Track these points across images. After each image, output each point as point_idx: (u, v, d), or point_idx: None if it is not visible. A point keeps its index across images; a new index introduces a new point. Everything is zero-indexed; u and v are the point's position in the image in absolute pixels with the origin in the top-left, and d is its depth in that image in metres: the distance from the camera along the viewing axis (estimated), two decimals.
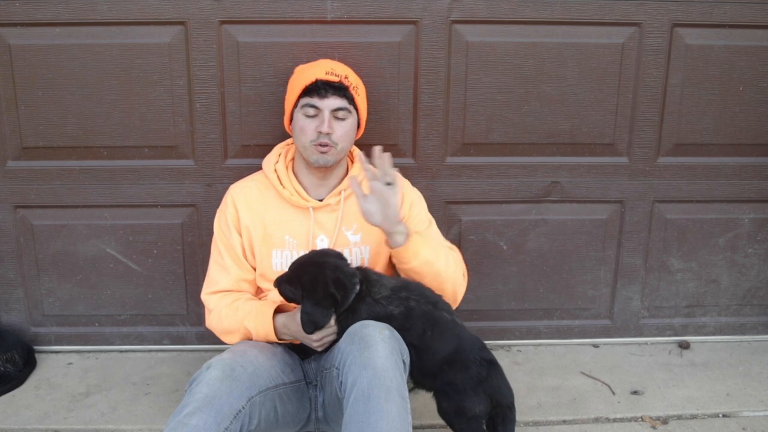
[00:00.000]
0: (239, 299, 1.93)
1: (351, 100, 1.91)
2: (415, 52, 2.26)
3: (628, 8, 2.27)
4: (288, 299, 1.80)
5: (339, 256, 1.79)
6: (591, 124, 2.37)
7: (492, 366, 1.75)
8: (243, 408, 1.59)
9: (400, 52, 2.26)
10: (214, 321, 1.94)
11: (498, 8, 2.24)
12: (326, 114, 1.86)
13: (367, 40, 2.23)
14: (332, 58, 2.16)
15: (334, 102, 1.87)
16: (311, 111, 1.87)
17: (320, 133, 1.85)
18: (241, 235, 1.96)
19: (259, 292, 2.02)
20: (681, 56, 2.33)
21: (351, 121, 1.92)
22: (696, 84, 2.36)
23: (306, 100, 1.88)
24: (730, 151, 2.45)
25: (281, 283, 1.78)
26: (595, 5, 2.26)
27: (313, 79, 1.86)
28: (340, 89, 1.87)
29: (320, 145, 1.86)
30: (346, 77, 1.90)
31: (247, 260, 1.97)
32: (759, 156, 2.46)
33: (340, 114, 1.88)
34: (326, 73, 1.88)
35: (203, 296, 1.99)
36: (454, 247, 2.02)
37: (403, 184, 2.10)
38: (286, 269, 1.91)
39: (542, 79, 2.31)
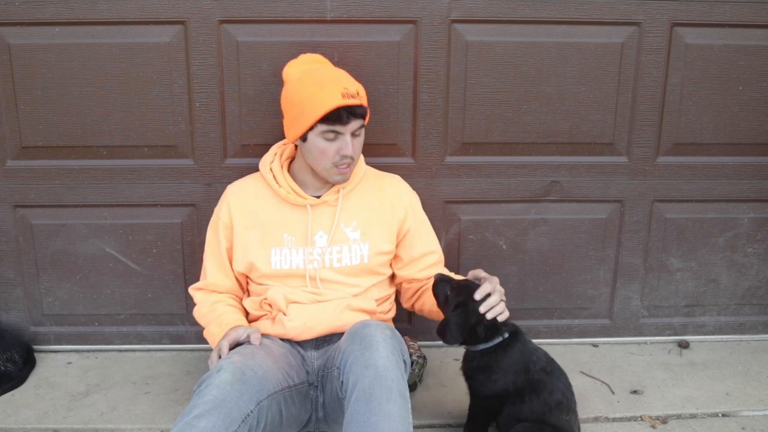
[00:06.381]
0: (220, 302, 2.00)
1: (365, 116, 1.89)
2: (415, 51, 2.26)
3: (628, 8, 2.27)
4: (436, 297, 1.89)
5: None
6: (590, 123, 2.37)
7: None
8: (251, 412, 1.58)
9: (400, 51, 2.26)
10: (197, 314, 2.06)
11: (497, 8, 2.24)
12: (348, 138, 1.83)
13: (367, 39, 2.23)
14: (332, 57, 2.15)
15: (355, 125, 1.84)
16: (332, 135, 1.83)
17: (344, 156, 1.84)
18: (231, 239, 1.98)
19: (259, 287, 2.01)
20: (680, 56, 2.33)
21: (364, 132, 1.92)
22: (696, 83, 2.36)
23: (327, 127, 1.80)
24: (729, 151, 2.45)
25: (443, 282, 1.88)
26: (594, 5, 2.26)
27: (334, 107, 1.77)
28: (360, 114, 1.84)
29: (342, 165, 1.86)
30: (358, 94, 1.82)
31: (232, 263, 2.00)
32: (759, 156, 2.46)
33: (358, 131, 1.87)
34: (343, 97, 1.78)
35: (190, 290, 2.09)
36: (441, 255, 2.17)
37: (401, 186, 2.11)
38: (284, 267, 1.91)
39: (542, 79, 2.31)
